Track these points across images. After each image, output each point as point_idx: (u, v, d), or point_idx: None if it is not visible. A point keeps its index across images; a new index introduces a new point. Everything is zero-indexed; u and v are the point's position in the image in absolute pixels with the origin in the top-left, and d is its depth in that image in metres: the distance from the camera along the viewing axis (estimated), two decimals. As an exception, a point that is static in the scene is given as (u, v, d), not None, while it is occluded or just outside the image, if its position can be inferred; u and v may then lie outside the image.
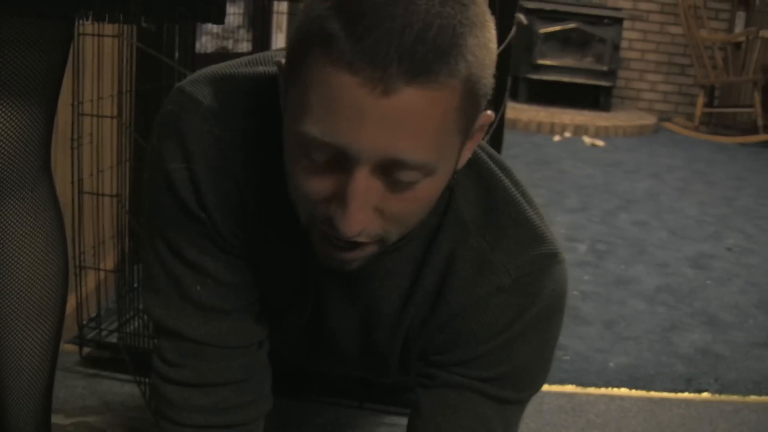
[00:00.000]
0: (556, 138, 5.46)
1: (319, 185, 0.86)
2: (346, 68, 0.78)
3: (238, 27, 2.97)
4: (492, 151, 1.07)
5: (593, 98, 6.36)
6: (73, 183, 1.83)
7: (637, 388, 2.05)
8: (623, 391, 2.03)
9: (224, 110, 1.00)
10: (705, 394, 2.05)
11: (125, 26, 1.84)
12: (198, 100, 1.01)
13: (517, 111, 5.86)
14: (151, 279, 1.09)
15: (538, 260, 1.03)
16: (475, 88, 0.83)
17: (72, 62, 1.73)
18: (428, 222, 1.00)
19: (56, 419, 1.45)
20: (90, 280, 2.00)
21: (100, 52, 1.88)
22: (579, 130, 5.64)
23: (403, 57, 0.77)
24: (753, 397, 2.06)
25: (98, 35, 1.82)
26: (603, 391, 2.03)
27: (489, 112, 0.90)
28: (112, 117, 1.94)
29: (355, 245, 0.89)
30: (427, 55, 0.77)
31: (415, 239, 1.02)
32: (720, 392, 2.07)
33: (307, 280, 1.08)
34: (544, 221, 1.07)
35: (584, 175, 4.43)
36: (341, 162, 0.83)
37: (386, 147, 0.80)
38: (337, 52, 0.78)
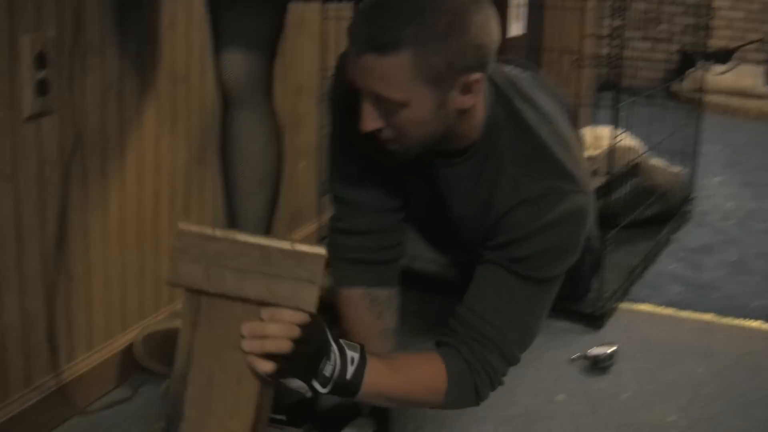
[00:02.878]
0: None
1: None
2: (350, 43, 1.38)
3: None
4: (544, 108, 1.59)
5: None
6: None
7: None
8: (757, 323, 2.41)
9: None
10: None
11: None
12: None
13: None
14: (329, 181, 1.74)
15: (557, 187, 1.50)
16: (424, 60, 1.34)
17: (318, 37, 2.38)
18: (479, 153, 1.53)
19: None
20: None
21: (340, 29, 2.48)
22: None
23: (367, 40, 1.35)
24: None
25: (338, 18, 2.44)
26: (735, 321, 2.42)
27: (475, 74, 1.40)
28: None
29: (380, 140, 1.45)
30: (378, 40, 1.34)
31: (470, 159, 1.54)
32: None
33: (416, 185, 1.65)
34: (576, 162, 1.55)
35: None
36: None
37: (368, 86, 1.38)
38: (350, 35, 1.39)
